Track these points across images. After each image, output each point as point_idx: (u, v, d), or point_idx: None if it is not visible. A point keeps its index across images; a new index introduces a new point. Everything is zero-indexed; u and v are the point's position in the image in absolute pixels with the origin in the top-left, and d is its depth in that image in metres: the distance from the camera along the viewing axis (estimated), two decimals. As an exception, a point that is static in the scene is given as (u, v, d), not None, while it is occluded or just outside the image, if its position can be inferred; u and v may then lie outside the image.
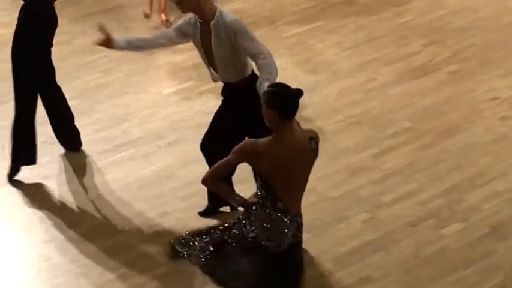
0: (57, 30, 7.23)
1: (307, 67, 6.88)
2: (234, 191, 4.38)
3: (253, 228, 4.17)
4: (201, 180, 4.22)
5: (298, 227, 4.23)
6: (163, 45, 5.10)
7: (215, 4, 4.83)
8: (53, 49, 6.94)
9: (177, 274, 5.00)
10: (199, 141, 5.98)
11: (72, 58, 6.98)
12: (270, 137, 4.13)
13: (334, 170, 5.74)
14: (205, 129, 6.02)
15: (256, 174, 4.19)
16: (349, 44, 7.14)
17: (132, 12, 7.78)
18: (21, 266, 5.13)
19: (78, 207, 5.53)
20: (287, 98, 4.05)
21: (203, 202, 5.45)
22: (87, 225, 5.39)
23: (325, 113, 6.35)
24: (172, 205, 5.51)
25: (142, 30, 7.36)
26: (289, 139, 4.09)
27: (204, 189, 5.56)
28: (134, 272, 5.02)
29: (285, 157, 4.06)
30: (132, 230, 5.35)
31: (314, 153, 4.16)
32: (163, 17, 7.52)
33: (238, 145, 4.17)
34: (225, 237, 4.28)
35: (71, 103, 6.41)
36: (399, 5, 7.64)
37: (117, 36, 5.04)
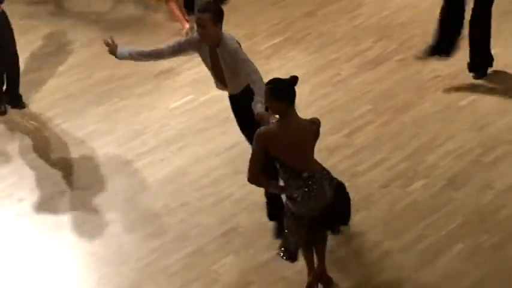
0: (77, 69, 7.29)
1: (283, 72, 6.82)
2: (272, 181, 4.32)
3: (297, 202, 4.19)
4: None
5: (330, 182, 4.24)
6: (162, 58, 4.93)
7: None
8: (76, 83, 6.98)
9: (198, 255, 4.99)
10: (203, 143, 6.02)
11: (92, 89, 6.95)
12: (277, 123, 4.16)
13: (315, 151, 5.70)
14: (207, 133, 6.07)
15: (277, 162, 4.18)
16: (314, 49, 7.11)
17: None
18: (73, 262, 5.12)
19: (113, 209, 5.51)
20: (287, 88, 4.08)
21: (214, 191, 5.46)
22: (122, 222, 5.37)
23: (302, 106, 6.21)
24: (190, 196, 5.50)
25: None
26: (294, 121, 4.13)
27: (214, 179, 5.57)
28: (164, 255, 5.01)
29: (293, 136, 4.11)
30: (159, 221, 5.33)
31: (315, 133, 4.24)
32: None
33: (254, 136, 4.16)
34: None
35: (96, 126, 6.44)
36: (351, 12, 7.60)
37: (121, 48, 4.88)
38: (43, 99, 6.94)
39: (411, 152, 5.60)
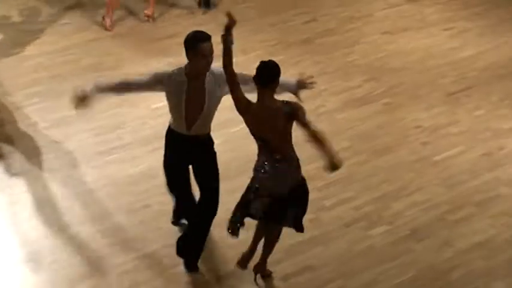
0: (66, 51, 7.23)
1: (270, 93, 6.85)
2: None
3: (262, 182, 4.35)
4: None
5: (297, 168, 4.40)
6: (137, 91, 4.63)
7: None
8: (62, 65, 6.91)
9: (151, 259, 4.95)
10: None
11: (79, 74, 6.88)
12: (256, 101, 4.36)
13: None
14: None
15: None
16: (305, 76, 7.11)
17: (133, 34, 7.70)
18: (26, 243, 5.02)
19: (75, 198, 5.43)
20: (257, 71, 4.33)
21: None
22: (81, 212, 5.31)
23: (283, 130, 6.31)
24: (154, 199, 5.44)
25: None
26: (265, 101, 4.29)
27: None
28: (117, 253, 4.97)
29: (260, 113, 4.28)
30: (118, 218, 5.28)
31: (289, 115, 4.30)
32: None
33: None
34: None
35: (74, 111, 6.32)
36: (347, 47, 7.63)
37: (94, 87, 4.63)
38: (25, 74, 6.84)
39: (379, 196, 5.61)
